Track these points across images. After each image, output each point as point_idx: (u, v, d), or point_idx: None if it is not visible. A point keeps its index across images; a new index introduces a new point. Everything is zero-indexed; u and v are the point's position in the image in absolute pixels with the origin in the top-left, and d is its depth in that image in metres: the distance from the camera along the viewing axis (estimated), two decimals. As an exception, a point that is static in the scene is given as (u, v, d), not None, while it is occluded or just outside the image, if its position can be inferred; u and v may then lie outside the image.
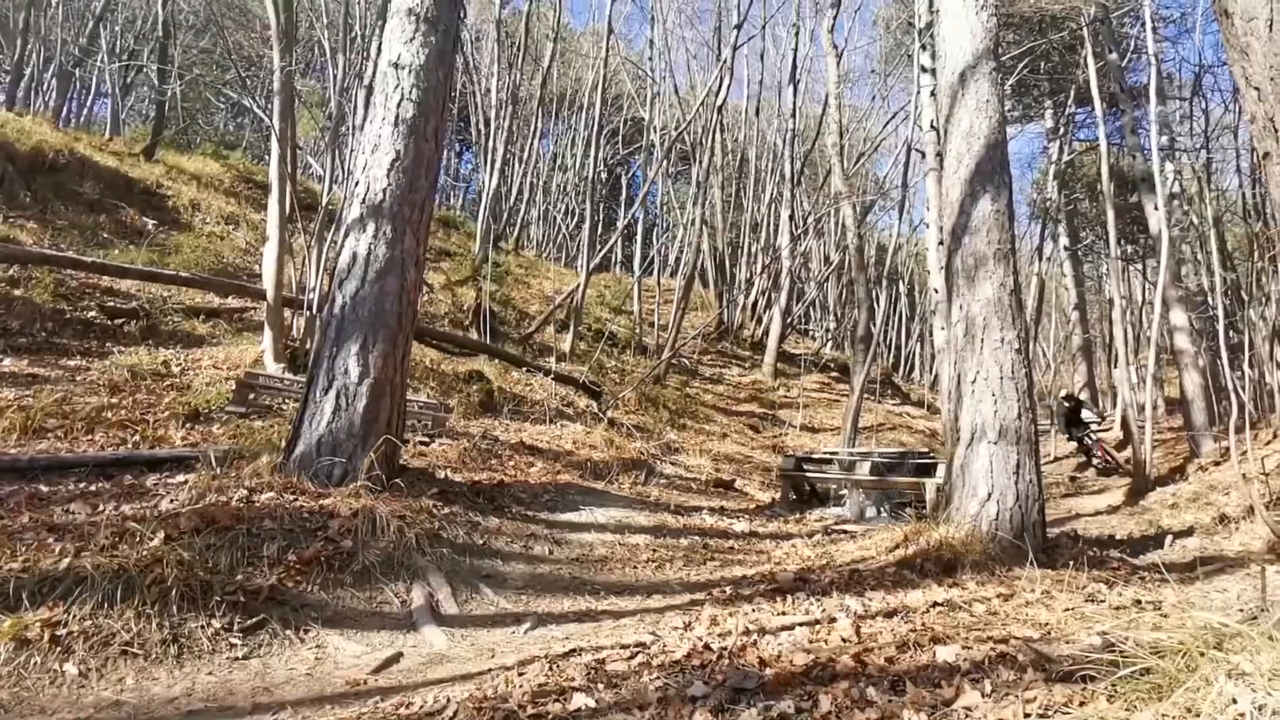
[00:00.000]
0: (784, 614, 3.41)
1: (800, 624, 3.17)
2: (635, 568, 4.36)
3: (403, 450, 4.55)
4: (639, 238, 17.88)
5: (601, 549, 4.51)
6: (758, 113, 19.53)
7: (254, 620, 2.82)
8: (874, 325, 11.61)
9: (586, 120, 18.02)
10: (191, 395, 5.44)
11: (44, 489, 3.52)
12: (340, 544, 3.40)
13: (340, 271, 4.33)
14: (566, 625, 3.33)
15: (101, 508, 3.34)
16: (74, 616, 2.50)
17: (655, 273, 17.94)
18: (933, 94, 11.23)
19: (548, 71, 15.93)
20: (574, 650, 2.78)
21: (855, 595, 3.68)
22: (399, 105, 4.53)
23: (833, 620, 3.23)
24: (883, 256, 24.59)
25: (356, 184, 4.53)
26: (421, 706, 2.26)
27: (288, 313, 7.40)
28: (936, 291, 10.73)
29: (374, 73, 10.13)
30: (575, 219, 19.13)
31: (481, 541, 4.05)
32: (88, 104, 15.85)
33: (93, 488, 3.60)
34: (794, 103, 17.25)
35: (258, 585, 2.97)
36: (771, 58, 19.94)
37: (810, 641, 2.91)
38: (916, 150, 13.82)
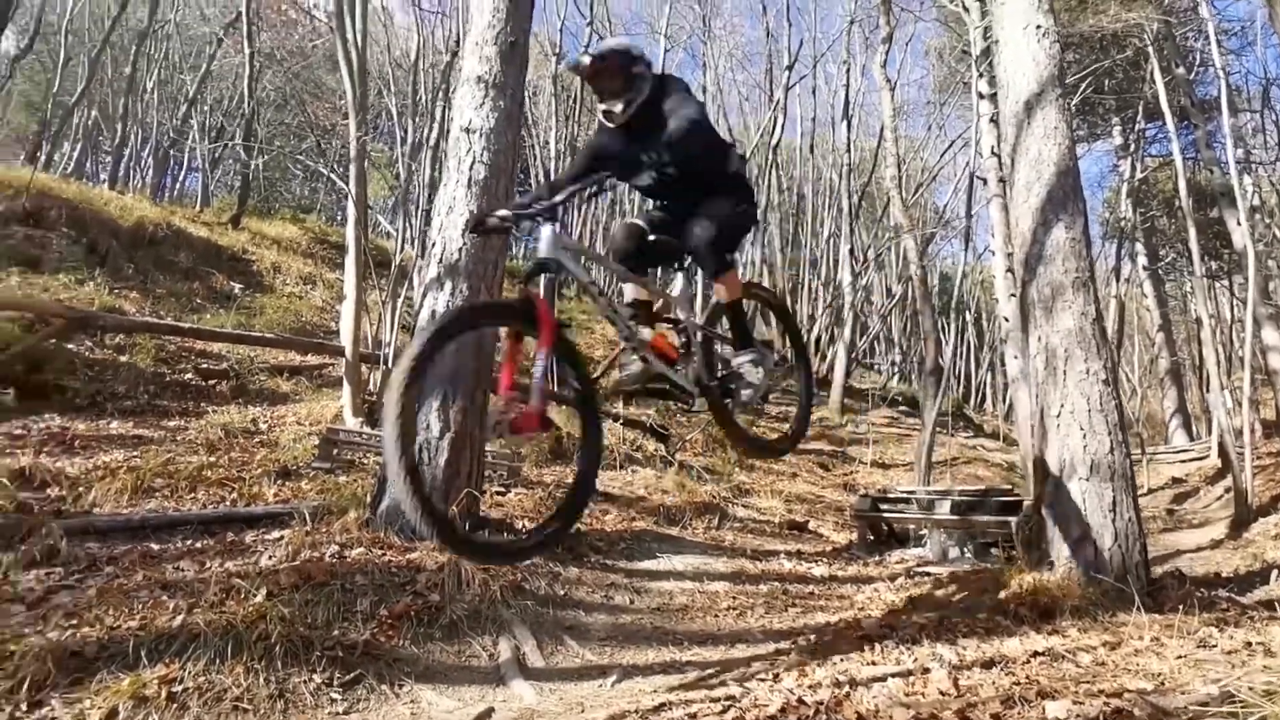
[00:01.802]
0: (873, 664, 3.32)
1: (892, 675, 3.08)
2: (716, 616, 4.32)
3: (481, 501, 4.64)
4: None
5: (681, 597, 4.48)
6: (812, 149, 19.58)
7: (351, 675, 2.90)
8: (942, 358, 11.33)
9: (642, 166, 18.38)
10: (280, 452, 5.69)
11: (155, 547, 3.72)
12: (428, 598, 3.48)
13: (420, 329, 4.49)
14: (652, 677, 3.30)
15: (208, 565, 3.51)
16: (189, 673, 2.61)
17: (716, 312, 17.94)
18: (992, 120, 11.06)
19: (603, 122, 16.32)
20: (664, 704, 2.76)
21: (947, 643, 3.56)
22: (471, 168, 4.73)
23: (926, 671, 3.12)
24: (947, 286, 24.05)
25: (433, 244, 4.73)
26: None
27: (365, 368, 7.69)
28: (1006, 320, 10.43)
29: (437, 136, 10.63)
30: (634, 263, 19.43)
31: (563, 592, 4.08)
32: (181, 179, 17.14)
33: (198, 545, 3.79)
34: (848, 137, 17.24)
35: (353, 640, 3.06)
36: (823, 94, 20.06)
37: (906, 694, 2.82)
38: (979, 177, 13.60)
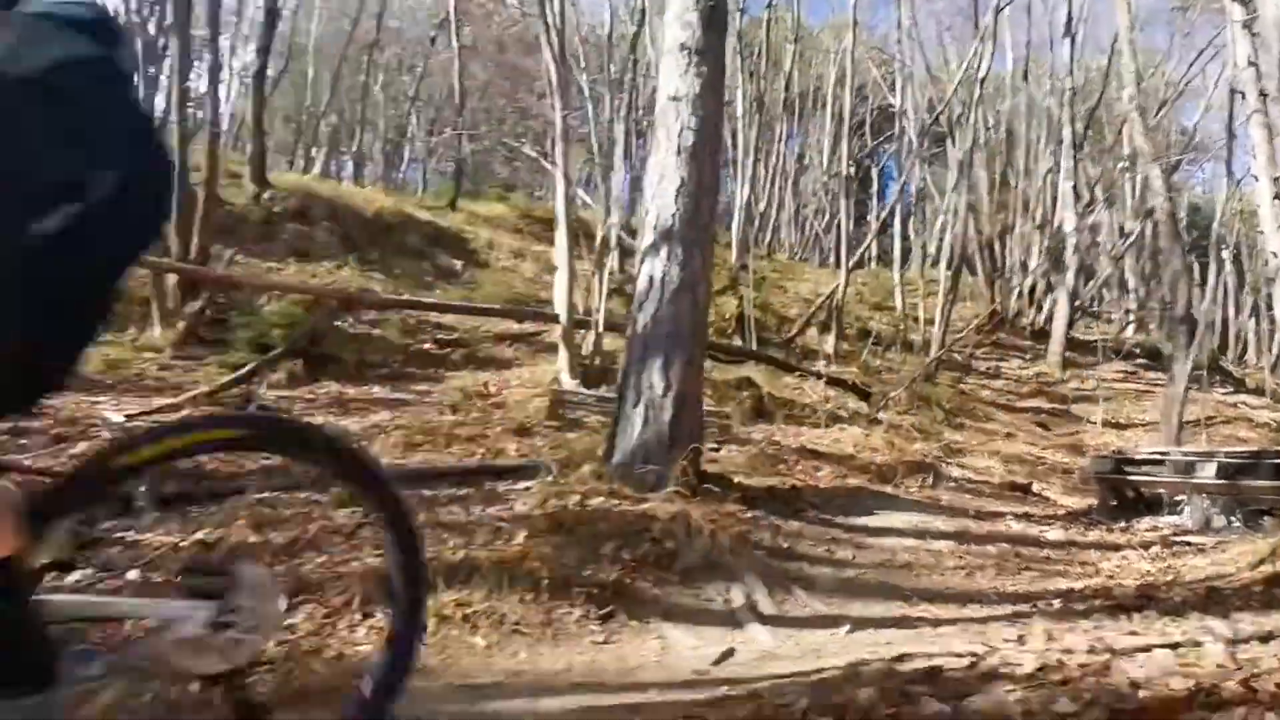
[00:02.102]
0: (1134, 634, 3.11)
1: (1157, 646, 2.88)
2: (942, 575, 4.24)
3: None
4: (896, 230, 17.07)
5: (904, 554, 4.44)
6: (1025, 77, 17.68)
7: (605, 611, 3.21)
8: (1194, 303, 9.94)
9: (832, 114, 17.68)
10: (514, 411, 6.29)
11: (427, 493, 4.30)
12: (664, 545, 3.74)
13: (639, 295, 4.76)
14: (884, 630, 3.33)
15: (473, 509, 4.02)
16: (476, 599, 3.04)
17: (917, 264, 17.00)
18: (1245, 26, 9.37)
19: (789, 74, 15.92)
20: (903, 655, 2.78)
21: (1218, 616, 3.25)
22: (679, 135, 4.87)
23: (1197, 644, 2.88)
24: (1197, 220, 20.90)
25: (646, 212, 4.96)
26: (768, 698, 2.42)
27: (578, 333, 8.21)
28: (1276, 255, 8.91)
29: (627, 108, 10.93)
30: (826, 217, 18.80)
31: (786, 545, 4.21)
32: (403, 170, 19.18)
33: (461, 493, 4.34)
34: (1071, 58, 15.37)
35: (603, 580, 3.38)
36: (1038, 12, 17.98)
37: (1180, 665, 2.63)
38: (1237, 92, 11.62)
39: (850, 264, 12.55)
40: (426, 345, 8.56)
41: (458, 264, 11.64)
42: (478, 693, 2.58)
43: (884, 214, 17.02)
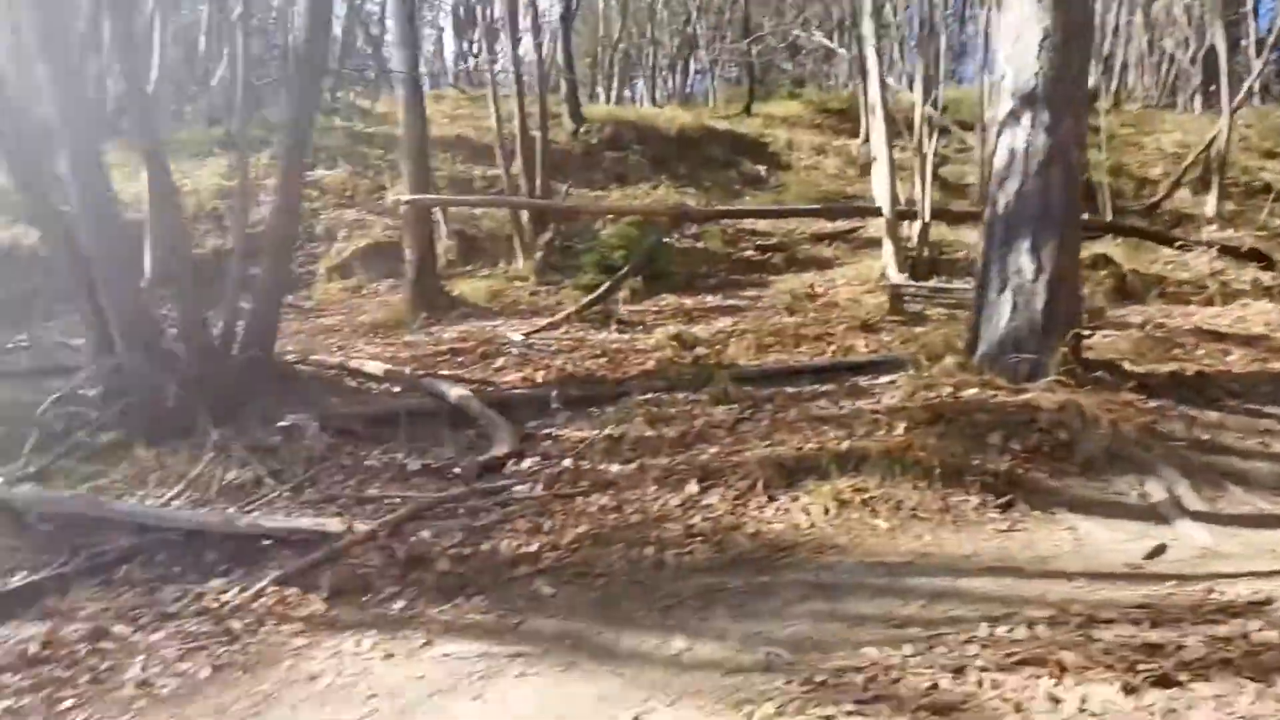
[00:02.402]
0: None
1: None
2: None
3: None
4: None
5: (1384, 451, 3.65)
6: None
7: (1003, 500, 3.13)
8: None
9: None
10: (850, 309, 6.26)
11: (789, 390, 4.51)
12: (1055, 435, 3.52)
13: (998, 171, 4.35)
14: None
15: (840, 403, 4.14)
16: (870, 485, 3.16)
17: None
18: None
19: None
20: None
21: None
22: (1039, -19, 4.24)
23: None
24: None
25: (1001, 76, 4.46)
26: (1237, 597, 2.20)
27: (901, 225, 7.80)
28: None
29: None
30: (1190, 49, 15.15)
31: (1206, 437, 3.70)
32: (690, 83, 19.40)
33: (822, 389, 4.47)
34: None
35: (995, 469, 3.29)
36: None
37: None
38: None
39: (1234, 105, 10.12)
40: (748, 253, 8.80)
41: (762, 169, 11.63)
42: (892, 569, 2.72)
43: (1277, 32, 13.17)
